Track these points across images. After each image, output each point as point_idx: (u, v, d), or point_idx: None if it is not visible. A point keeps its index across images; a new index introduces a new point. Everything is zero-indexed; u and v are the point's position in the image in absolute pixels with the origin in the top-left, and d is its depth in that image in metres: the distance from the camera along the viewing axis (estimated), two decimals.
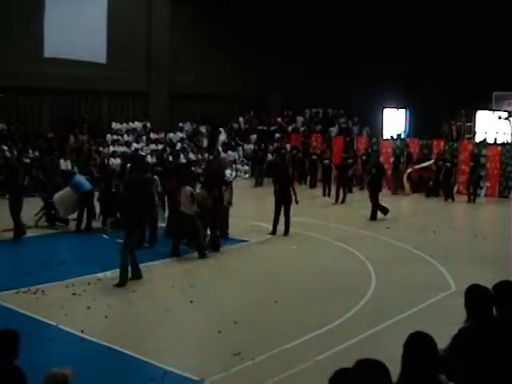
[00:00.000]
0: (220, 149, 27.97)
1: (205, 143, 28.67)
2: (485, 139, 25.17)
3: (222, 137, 29.21)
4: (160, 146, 26.18)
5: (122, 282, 10.58)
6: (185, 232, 12.89)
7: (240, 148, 28.70)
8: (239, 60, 30.23)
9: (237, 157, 28.22)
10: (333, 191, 21.38)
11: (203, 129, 29.60)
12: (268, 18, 29.99)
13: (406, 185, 23.17)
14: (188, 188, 12.82)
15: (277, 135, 29.15)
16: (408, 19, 29.62)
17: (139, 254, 12.42)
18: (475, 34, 27.51)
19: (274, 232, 15.06)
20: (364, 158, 24.52)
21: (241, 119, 31.16)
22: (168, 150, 26.01)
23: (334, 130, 29.65)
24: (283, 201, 14.86)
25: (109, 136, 26.35)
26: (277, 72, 30.14)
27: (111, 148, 25.27)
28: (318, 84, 29.27)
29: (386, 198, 22.88)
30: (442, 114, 27.84)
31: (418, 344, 3.92)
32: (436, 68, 29.43)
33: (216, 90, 30.03)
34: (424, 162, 23.33)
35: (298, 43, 30.10)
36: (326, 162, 22.95)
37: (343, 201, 20.77)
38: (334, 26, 29.48)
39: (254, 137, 29.32)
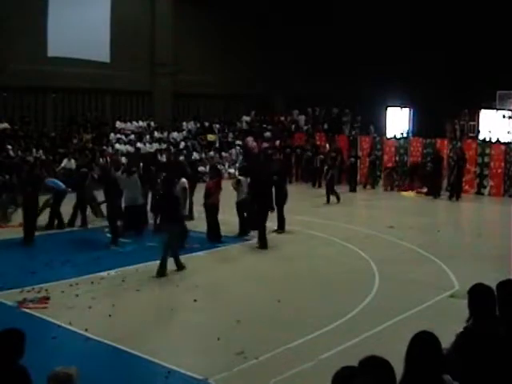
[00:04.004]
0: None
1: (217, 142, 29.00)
2: (484, 138, 25.09)
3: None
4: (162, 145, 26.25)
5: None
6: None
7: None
8: (242, 60, 30.25)
9: (236, 156, 28.21)
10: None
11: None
12: (271, 17, 30.02)
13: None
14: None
15: (267, 134, 29.05)
16: (410, 17, 29.56)
17: (143, 254, 12.49)
18: (479, 33, 27.45)
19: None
20: (373, 157, 24.62)
21: (245, 118, 31.13)
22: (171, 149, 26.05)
23: (346, 129, 29.55)
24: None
25: (112, 135, 26.39)
26: (278, 72, 30.15)
27: (116, 146, 25.30)
28: (319, 83, 29.26)
29: (386, 196, 22.99)
30: (446, 113, 27.77)
31: (423, 343, 3.92)
32: (439, 67, 29.35)
33: (219, 90, 30.08)
34: (420, 165, 23.65)
35: (298, 43, 30.12)
36: (330, 161, 22.92)
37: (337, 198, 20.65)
38: (335, 25, 29.48)
39: (267, 134, 29.35)
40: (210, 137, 29.36)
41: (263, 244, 13.75)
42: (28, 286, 10.22)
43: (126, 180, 14.77)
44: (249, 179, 14.93)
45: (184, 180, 14.14)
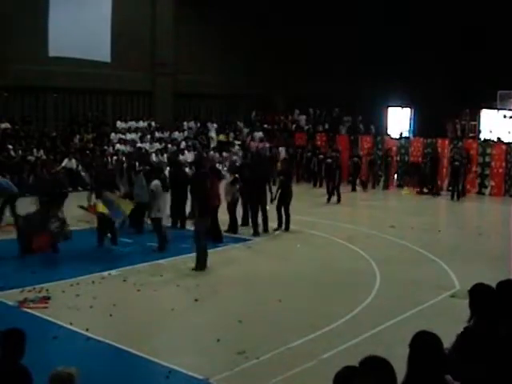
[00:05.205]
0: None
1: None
2: (489, 140, 25.12)
3: (213, 134, 29.26)
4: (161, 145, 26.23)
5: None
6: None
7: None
8: (242, 60, 30.25)
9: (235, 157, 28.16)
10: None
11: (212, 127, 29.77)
12: (271, 17, 30.01)
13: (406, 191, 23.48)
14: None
15: (259, 134, 28.99)
16: (410, 17, 29.57)
17: (143, 254, 12.49)
18: (479, 33, 27.46)
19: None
20: (373, 156, 24.64)
21: (245, 130, 30.98)
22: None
23: (343, 129, 29.49)
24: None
25: (113, 135, 26.40)
26: (278, 72, 30.15)
27: (117, 146, 25.29)
28: (319, 83, 29.26)
29: (387, 196, 23.02)
30: (447, 113, 27.79)
31: (423, 343, 3.90)
32: (440, 67, 29.36)
33: (219, 90, 30.09)
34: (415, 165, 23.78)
35: (298, 43, 30.11)
36: (329, 161, 22.91)
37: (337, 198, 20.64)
38: (336, 25, 29.47)
39: (259, 134, 29.27)
40: (221, 137, 29.37)
41: (256, 233, 14.72)
42: (29, 285, 10.21)
43: (133, 178, 15.21)
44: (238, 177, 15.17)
45: (156, 182, 13.19)
